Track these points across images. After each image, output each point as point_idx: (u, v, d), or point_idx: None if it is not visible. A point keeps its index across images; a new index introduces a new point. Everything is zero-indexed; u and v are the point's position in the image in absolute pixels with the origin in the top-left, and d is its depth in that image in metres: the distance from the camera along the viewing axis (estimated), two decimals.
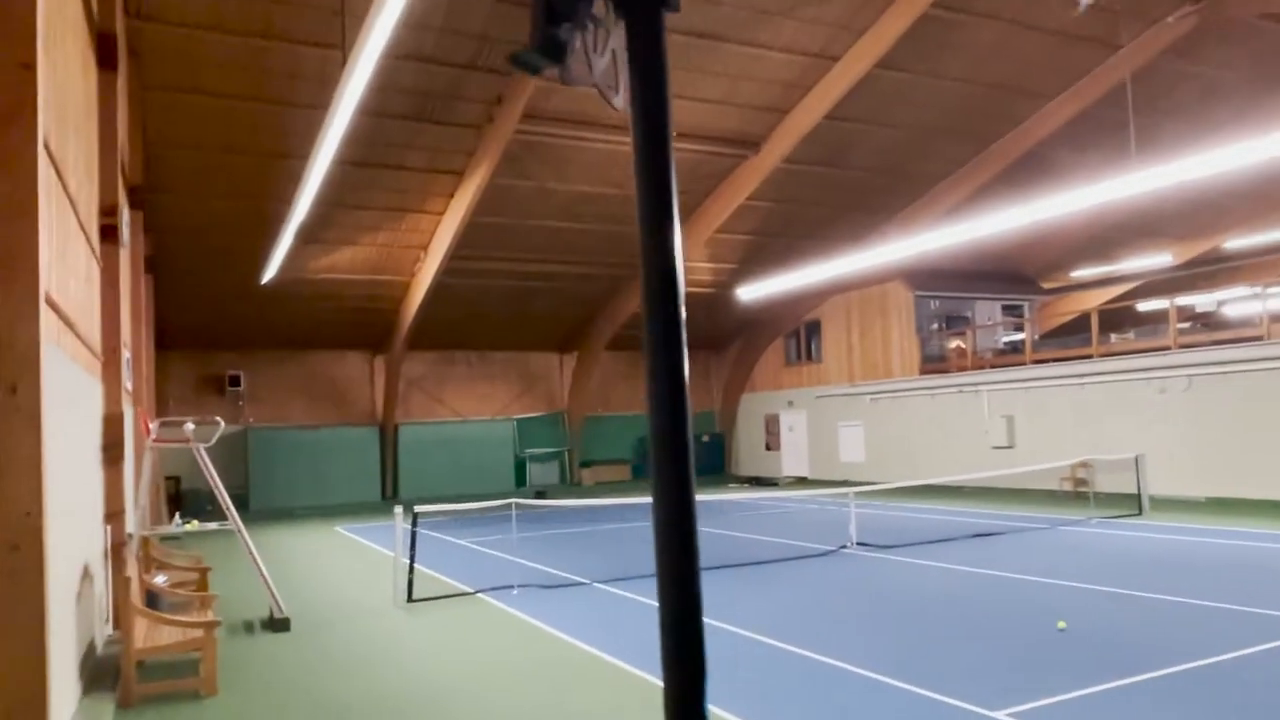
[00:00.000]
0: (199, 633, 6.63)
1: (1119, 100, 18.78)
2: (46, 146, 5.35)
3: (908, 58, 17.43)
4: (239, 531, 8.97)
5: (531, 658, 7.75)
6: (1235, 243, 27.86)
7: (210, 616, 7.06)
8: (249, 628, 9.16)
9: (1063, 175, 19.80)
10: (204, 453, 9.06)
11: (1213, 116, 20.43)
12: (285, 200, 16.05)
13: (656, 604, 1.18)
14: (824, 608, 9.37)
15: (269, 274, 19.89)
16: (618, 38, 1.20)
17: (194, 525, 9.91)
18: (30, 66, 3.71)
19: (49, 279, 5.39)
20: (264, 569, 9.09)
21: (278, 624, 8.91)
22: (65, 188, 6.22)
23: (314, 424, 27.37)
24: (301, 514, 24.12)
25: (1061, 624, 7.93)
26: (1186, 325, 21.06)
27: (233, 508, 9.00)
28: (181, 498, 23.97)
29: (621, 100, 1.28)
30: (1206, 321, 22.63)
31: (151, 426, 10.58)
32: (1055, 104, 19.80)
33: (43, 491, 3.63)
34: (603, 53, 1.28)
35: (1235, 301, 23.66)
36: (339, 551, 15.75)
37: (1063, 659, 7.02)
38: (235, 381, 26.14)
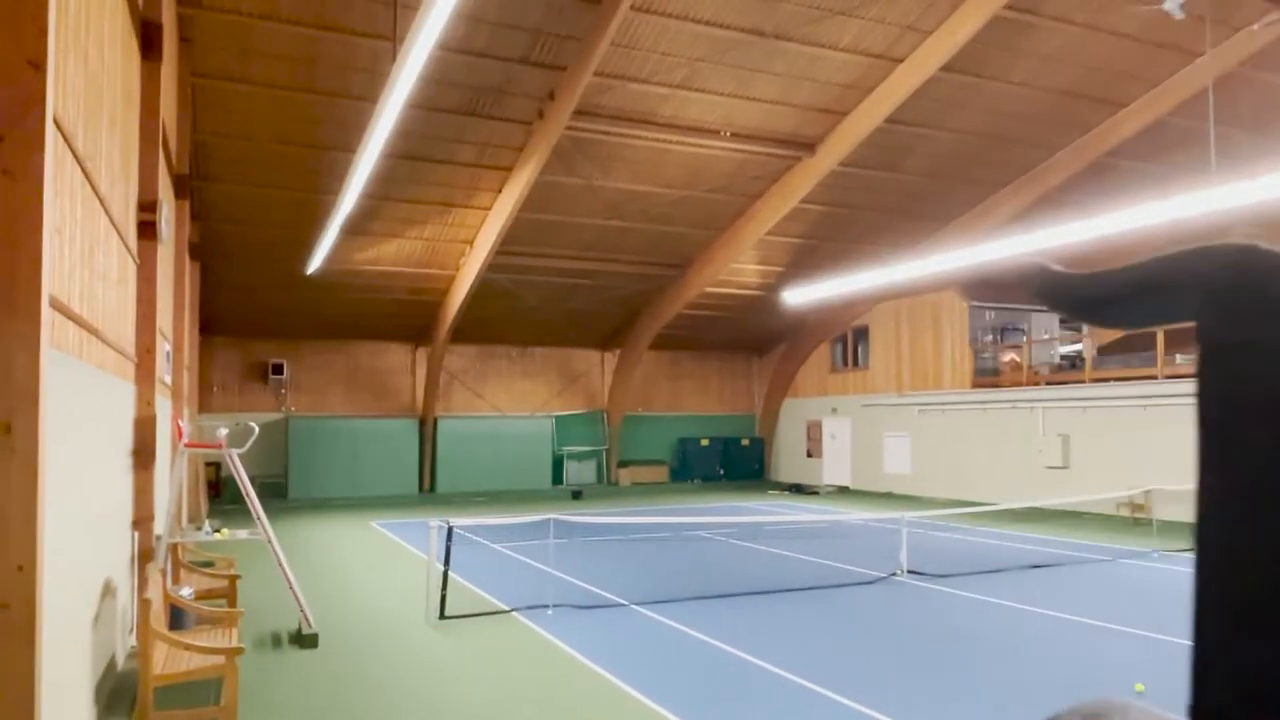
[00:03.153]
0: (220, 659, 6.33)
1: (1194, 110, 17.84)
2: (72, 150, 5.03)
3: (974, 61, 16.72)
4: (270, 542, 8.68)
5: (565, 692, 7.34)
6: None
7: (234, 641, 6.75)
8: (276, 642, 8.87)
9: (1131, 186, 18.90)
10: (237, 459, 8.78)
11: None
12: (332, 192, 15.82)
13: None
14: (876, 649, 8.84)
15: (314, 264, 19.75)
16: None
17: (224, 534, 9.65)
18: (39, 66, 3.34)
19: (70, 289, 5.07)
20: (294, 582, 8.80)
21: (305, 640, 8.62)
22: (95, 188, 5.92)
23: (354, 414, 27.31)
24: (338, 504, 24.02)
25: (1139, 687, 7.33)
26: None
27: (265, 519, 8.71)
28: (222, 485, 24.04)
29: None
30: None
31: (184, 428, 10.35)
32: (1126, 112, 18.89)
33: (37, 544, 3.27)
34: None
35: None
36: (373, 552, 15.51)
37: None
38: (278, 370, 26.17)
